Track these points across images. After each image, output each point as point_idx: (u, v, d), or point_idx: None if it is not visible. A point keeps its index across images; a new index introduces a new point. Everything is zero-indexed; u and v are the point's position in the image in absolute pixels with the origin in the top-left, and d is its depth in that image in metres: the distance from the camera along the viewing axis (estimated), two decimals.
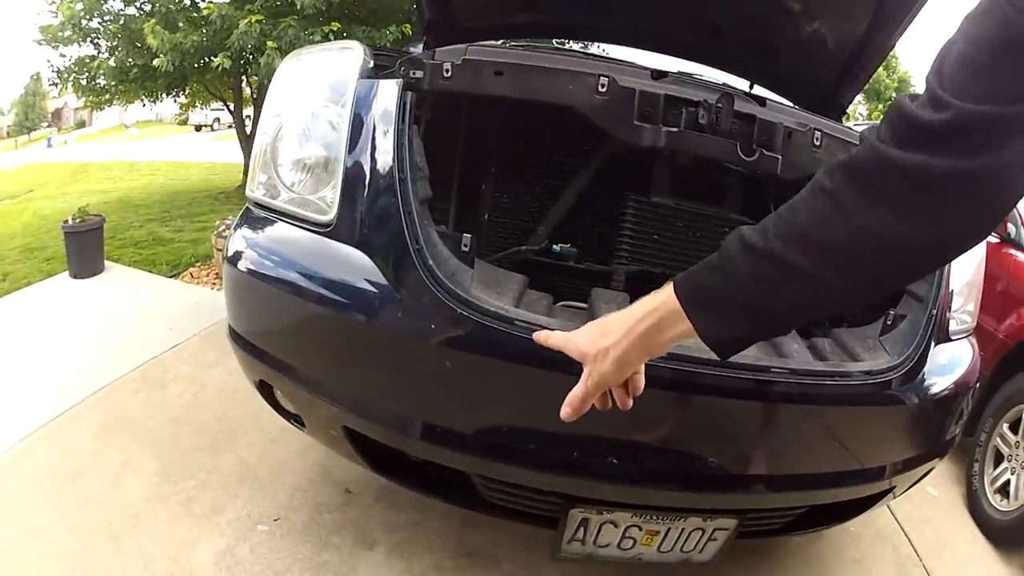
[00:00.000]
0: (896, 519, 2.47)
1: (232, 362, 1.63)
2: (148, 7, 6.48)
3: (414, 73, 1.41)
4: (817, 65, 2.23)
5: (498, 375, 1.23)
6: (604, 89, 1.43)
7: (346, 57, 1.48)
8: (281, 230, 1.45)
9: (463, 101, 1.46)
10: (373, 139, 1.35)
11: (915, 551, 2.34)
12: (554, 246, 1.58)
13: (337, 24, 5.45)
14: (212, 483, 2.14)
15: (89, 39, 7.09)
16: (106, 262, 4.56)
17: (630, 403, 0.87)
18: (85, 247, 4.37)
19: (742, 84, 2.55)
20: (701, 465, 1.30)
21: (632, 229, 1.55)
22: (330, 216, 1.37)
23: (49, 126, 51.23)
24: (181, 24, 6.00)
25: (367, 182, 1.34)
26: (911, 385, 1.40)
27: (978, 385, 1.65)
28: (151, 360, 3.05)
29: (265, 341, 1.48)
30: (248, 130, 8.14)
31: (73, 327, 3.52)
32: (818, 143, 1.53)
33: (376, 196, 1.33)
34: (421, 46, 2.40)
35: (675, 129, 1.42)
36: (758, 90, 2.50)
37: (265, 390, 1.55)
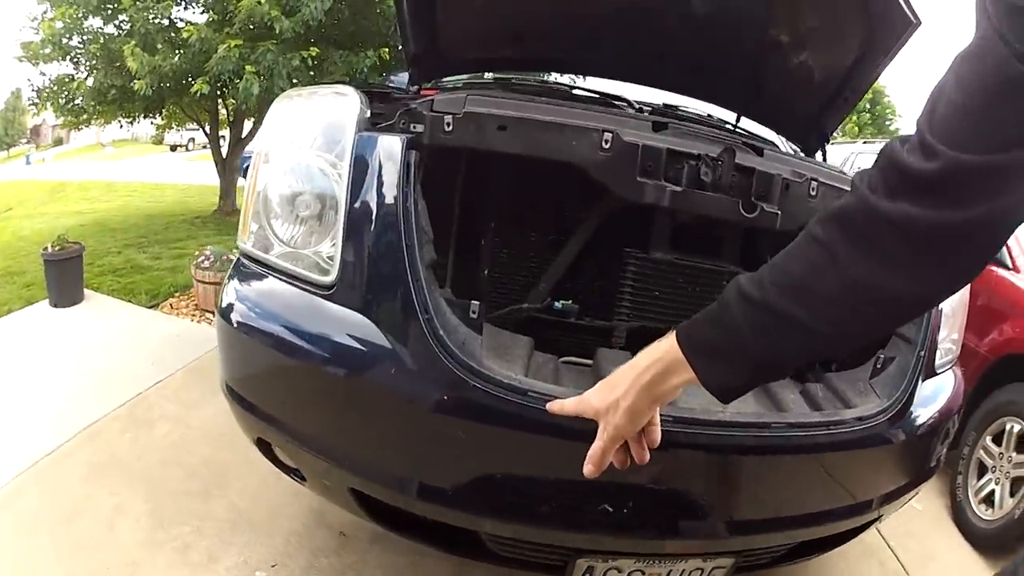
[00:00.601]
0: (882, 535, 2.48)
1: (217, 402, 1.61)
2: (128, 26, 6.34)
3: (414, 127, 1.38)
4: (802, 96, 2.23)
5: (509, 443, 1.23)
6: (608, 145, 1.40)
7: (341, 105, 1.44)
8: (278, 288, 1.40)
9: (462, 152, 1.42)
10: (377, 199, 1.31)
11: (902, 566, 2.35)
12: (556, 303, 1.54)
13: (315, 49, 5.40)
14: (207, 529, 2.08)
15: (69, 57, 6.94)
16: (85, 290, 4.49)
17: (647, 456, 0.90)
18: (65, 275, 4.30)
19: (727, 115, 2.59)
20: (705, 515, 1.33)
21: (632, 285, 1.52)
22: (331, 278, 1.33)
23: (28, 142, 50.40)
24: (160, 46, 5.89)
25: (370, 244, 1.30)
26: (900, 424, 1.43)
27: (962, 407, 1.68)
28: (136, 397, 2.98)
29: (265, 401, 1.43)
30: (224, 152, 8.04)
31: (56, 359, 3.44)
32: (814, 193, 1.53)
33: (381, 261, 1.29)
34: (405, 77, 2.39)
35: (679, 188, 1.40)
36: (745, 123, 2.53)
37: (264, 447, 1.51)
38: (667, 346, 0.80)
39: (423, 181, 1.36)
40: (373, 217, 1.31)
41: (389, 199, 1.30)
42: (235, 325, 1.43)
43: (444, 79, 2.48)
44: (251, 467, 2.34)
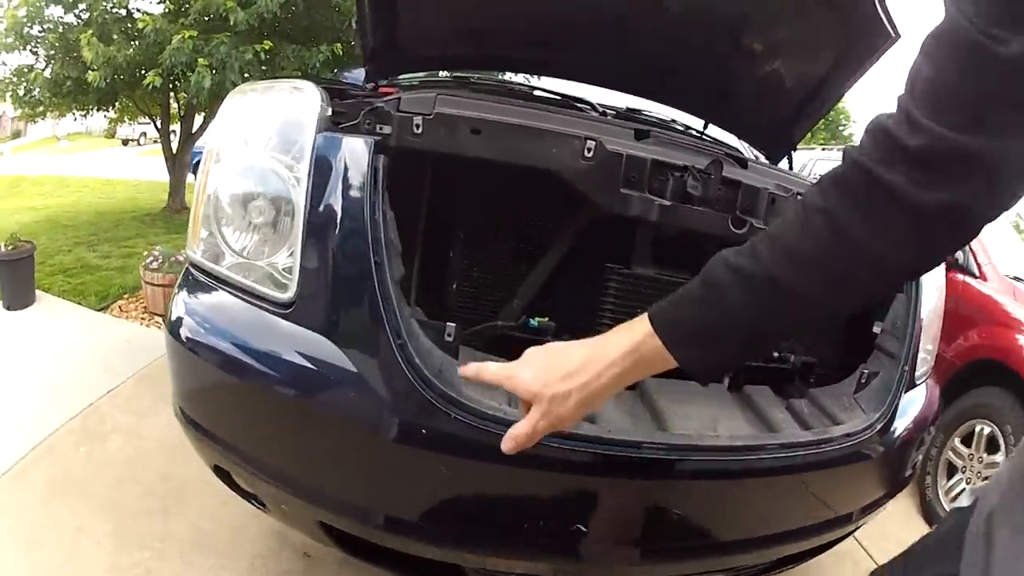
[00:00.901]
0: (855, 537, 2.47)
1: (169, 412, 1.47)
2: (86, 15, 6.09)
3: (380, 128, 1.24)
4: (771, 104, 2.17)
5: (492, 475, 1.13)
6: (590, 153, 1.29)
7: (300, 101, 1.30)
8: (231, 304, 1.27)
9: (429, 156, 1.29)
10: (340, 207, 1.18)
11: (875, 563, 2.34)
12: (531, 320, 1.40)
13: (269, 42, 5.21)
14: (169, 552, 1.96)
15: (29, 47, 6.65)
16: (37, 291, 4.39)
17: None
18: (17, 277, 4.22)
19: (694, 122, 2.52)
20: (699, 539, 1.27)
21: (613, 302, 1.40)
22: (289, 294, 1.20)
23: None
24: (116, 36, 5.65)
25: (333, 258, 1.18)
26: (884, 438, 1.42)
27: (937, 416, 1.68)
28: (88, 408, 2.87)
29: (220, 427, 1.31)
30: (174, 148, 7.79)
31: (9, 367, 3.31)
32: None
33: (346, 277, 1.17)
34: (359, 74, 2.27)
35: (666, 202, 1.30)
36: (713, 130, 2.47)
37: (222, 474, 1.38)
38: (640, 336, 0.73)
39: (386, 186, 1.25)
40: (336, 228, 1.18)
41: (354, 208, 1.17)
42: (185, 343, 1.30)
43: (401, 76, 2.35)
44: (209, 484, 2.16)
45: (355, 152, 1.20)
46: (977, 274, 3.23)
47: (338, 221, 1.18)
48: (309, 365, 1.15)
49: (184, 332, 1.32)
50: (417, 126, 1.24)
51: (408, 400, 1.10)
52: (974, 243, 3.35)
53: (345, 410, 1.13)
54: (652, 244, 1.44)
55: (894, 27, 1.77)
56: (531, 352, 0.81)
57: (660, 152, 1.38)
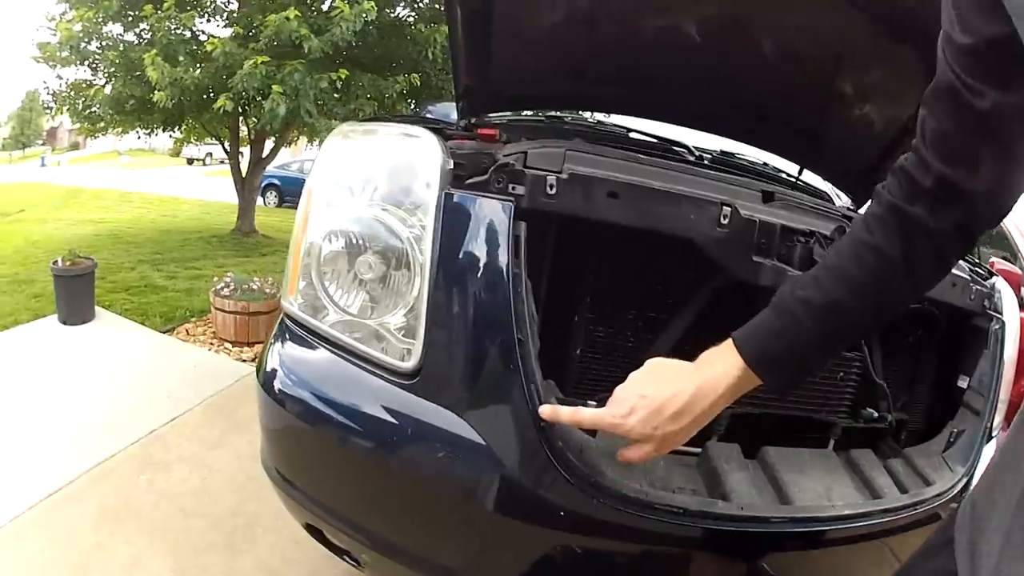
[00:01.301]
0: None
1: (239, 444, 1.41)
2: (149, 35, 6.14)
3: (513, 187, 1.14)
4: (860, 147, 2.09)
5: (628, 559, 1.11)
6: (726, 220, 1.22)
7: (415, 150, 1.21)
8: (337, 366, 1.17)
9: (554, 215, 1.20)
10: (475, 277, 1.09)
11: None
12: None
13: (344, 71, 5.22)
14: None
15: (87, 63, 6.73)
16: (97, 308, 4.32)
17: None
18: (75, 292, 4.14)
19: (786, 165, 2.43)
20: None
21: None
22: (412, 363, 1.10)
23: (44, 144, 50.41)
24: (182, 57, 5.69)
25: (469, 330, 1.08)
26: (965, 491, 1.44)
27: None
28: (150, 434, 2.79)
29: (322, 492, 1.23)
30: (243, 171, 7.81)
31: (64, 384, 3.24)
32: None
33: (485, 353, 1.07)
34: (443, 108, 2.20)
35: (796, 272, 1.24)
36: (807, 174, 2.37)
37: (314, 532, 1.30)
38: (736, 370, 0.83)
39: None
40: (472, 297, 1.09)
41: (493, 277, 1.08)
42: (284, 404, 1.21)
43: (492, 115, 2.29)
44: (282, 520, 2.13)
45: (493, 216, 1.11)
46: None
47: (473, 290, 1.09)
48: (438, 444, 1.06)
49: (280, 387, 1.23)
50: (551, 186, 1.14)
51: (550, 483, 1.03)
52: None
53: (480, 494, 1.05)
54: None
55: None
56: (630, 391, 0.88)
57: (787, 216, 1.33)
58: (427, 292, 1.10)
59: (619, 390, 0.89)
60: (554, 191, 1.15)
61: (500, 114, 2.34)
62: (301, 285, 1.28)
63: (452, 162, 1.16)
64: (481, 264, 1.09)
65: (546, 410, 0.95)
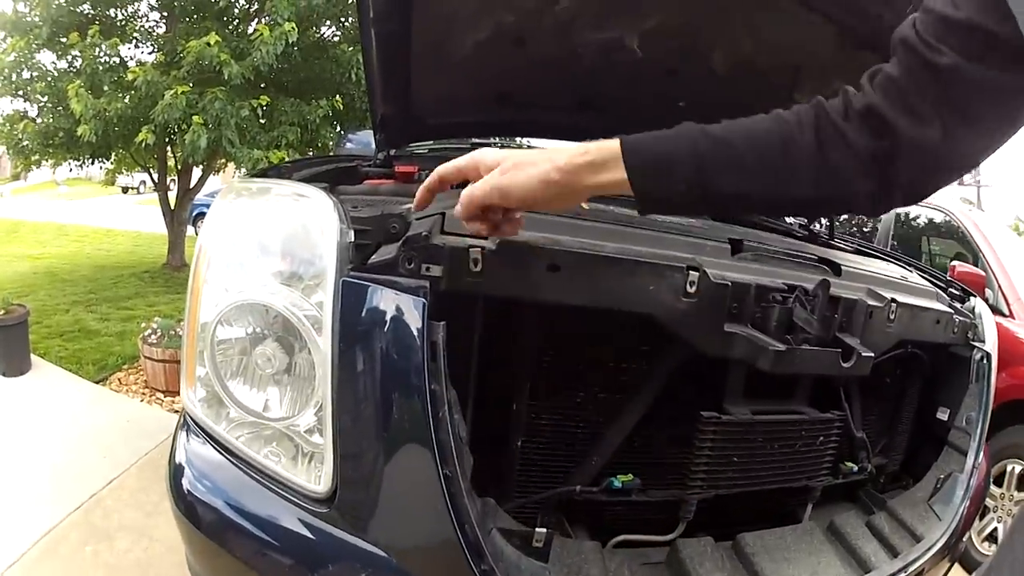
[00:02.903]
0: None
1: None
2: (79, 63, 5.75)
3: (427, 268, 0.89)
4: None
5: None
6: (693, 288, 0.99)
7: (307, 213, 0.98)
8: (245, 483, 0.96)
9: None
10: (385, 387, 0.87)
11: None
12: (614, 480, 1.10)
13: (266, 97, 4.92)
14: None
15: (20, 93, 6.32)
16: (33, 357, 4.15)
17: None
18: (11, 342, 4.00)
19: None
20: None
21: (708, 453, 1.11)
22: (324, 486, 0.89)
23: None
24: (106, 87, 5.35)
25: (381, 454, 0.87)
26: (952, 538, 1.35)
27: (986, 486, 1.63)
28: (91, 499, 2.63)
29: None
30: (172, 203, 7.44)
31: (6, 445, 3.09)
32: (892, 318, 1.26)
33: (403, 487, 0.87)
34: (364, 137, 1.98)
35: (780, 347, 1.00)
36: None
37: None
38: (610, 145, 0.77)
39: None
40: (383, 418, 0.87)
41: (406, 399, 0.86)
42: (194, 510, 1.00)
43: (413, 144, 2.07)
44: None
45: (402, 315, 0.87)
46: (1007, 313, 3.08)
47: (384, 408, 0.87)
48: None
49: (186, 496, 1.02)
50: (475, 262, 0.89)
51: None
52: (1003, 280, 3.24)
53: None
54: (744, 381, 1.16)
55: None
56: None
57: (761, 271, 1.14)
58: (331, 397, 0.88)
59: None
60: (479, 268, 0.90)
61: (424, 144, 2.12)
62: (199, 373, 1.05)
63: (352, 231, 0.93)
64: (392, 377, 0.86)
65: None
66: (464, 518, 0.82)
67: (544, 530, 0.90)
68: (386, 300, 0.87)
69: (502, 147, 2.24)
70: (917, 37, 0.65)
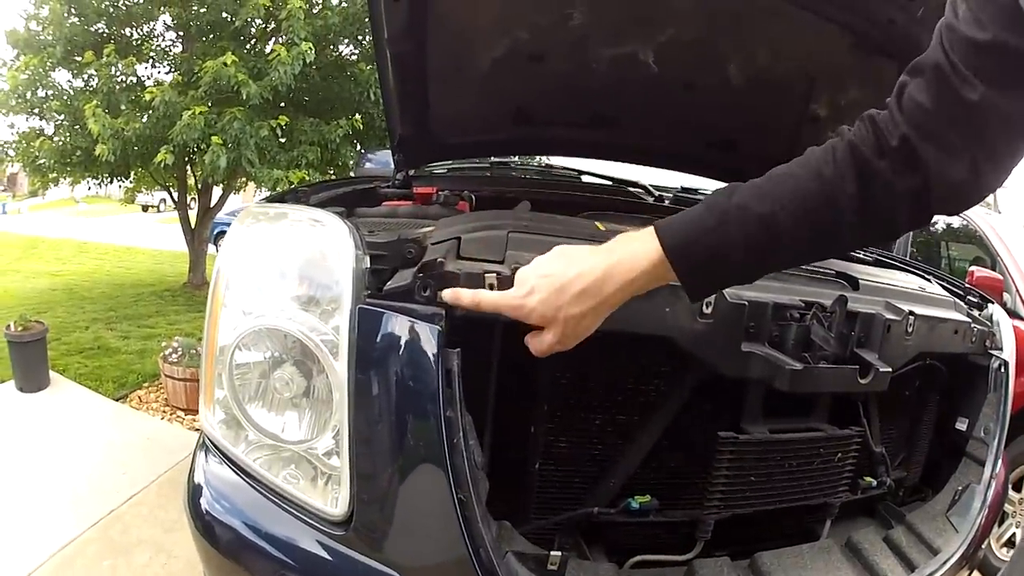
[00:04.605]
0: None
1: None
2: (95, 82, 5.78)
3: (441, 296, 0.89)
4: None
5: None
6: (709, 309, 1.00)
7: (323, 241, 0.99)
8: (262, 505, 0.97)
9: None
10: (400, 412, 0.89)
11: None
12: (632, 501, 1.11)
13: (285, 117, 4.95)
14: None
15: (36, 111, 6.35)
16: (51, 374, 4.16)
17: None
18: (29, 358, 4.02)
19: None
20: None
21: (726, 473, 1.12)
22: (341, 509, 0.90)
23: (4, 190, 48.80)
24: (123, 107, 5.40)
25: (397, 478, 0.88)
26: (970, 549, 1.34)
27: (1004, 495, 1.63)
28: (110, 515, 2.66)
29: None
30: (192, 221, 7.48)
31: (22, 461, 3.11)
32: (911, 330, 1.26)
33: (419, 509, 0.88)
34: (383, 157, 2.00)
35: (797, 365, 1.01)
36: None
37: None
38: (652, 254, 0.74)
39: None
40: (399, 443, 0.89)
41: (421, 425, 0.87)
42: (207, 538, 1.02)
43: (432, 163, 2.08)
44: None
45: (417, 342, 0.88)
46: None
47: (400, 433, 0.88)
48: None
49: (208, 511, 1.04)
50: (491, 287, 0.88)
51: None
52: (1021, 284, 3.19)
53: None
54: (762, 399, 1.16)
55: None
56: (533, 272, 0.80)
57: (777, 288, 1.13)
58: (347, 422, 0.90)
59: (521, 271, 0.81)
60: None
61: (442, 163, 2.14)
62: (218, 395, 1.07)
63: (368, 256, 0.95)
64: (407, 403, 0.88)
65: (448, 294, 0.86)
66: (479, 542, 0.83)
67: (559, 553, 0.91)
68: (401, 327, 0.89)
69: (515, 168, 2.26)
70: (948, 64, 0.64)
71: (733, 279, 0.78)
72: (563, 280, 0.76)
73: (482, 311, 0.82)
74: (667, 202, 2.01)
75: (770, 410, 1.17)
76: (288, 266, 1.04)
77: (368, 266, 0.94)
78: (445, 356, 0.86)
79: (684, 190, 2.27)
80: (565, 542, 1.13)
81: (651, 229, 0.76)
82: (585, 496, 1.14)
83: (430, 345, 0.86)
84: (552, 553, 0.91)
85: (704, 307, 1.00)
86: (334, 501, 0.92)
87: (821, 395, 1.26)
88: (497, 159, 2.32)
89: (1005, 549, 2.76)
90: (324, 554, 0.91)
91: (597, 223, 1.18)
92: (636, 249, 0.75)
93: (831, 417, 1.29)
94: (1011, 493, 2.72)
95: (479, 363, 1.00)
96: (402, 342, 0.89)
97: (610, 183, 2.00)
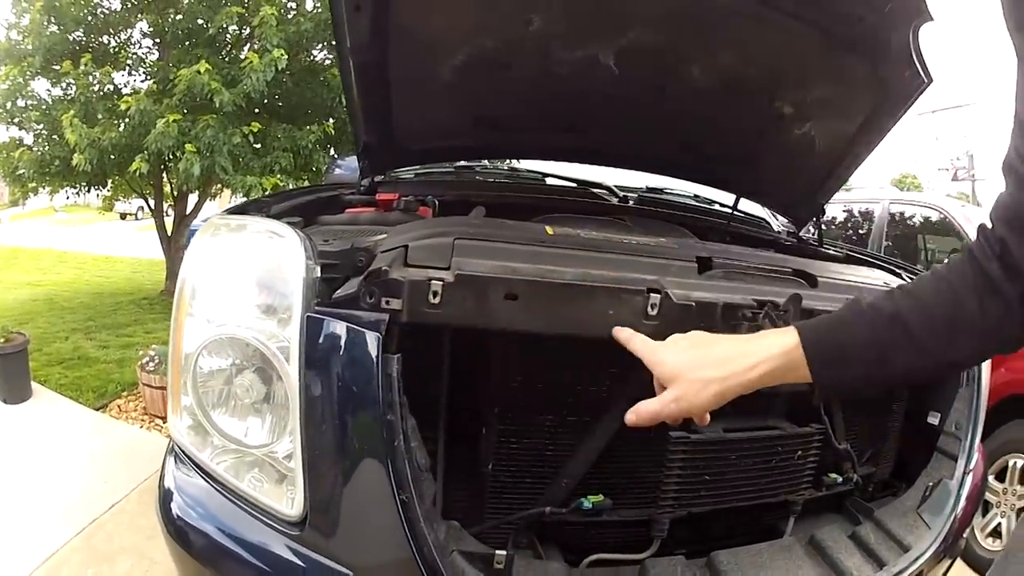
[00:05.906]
0: None
1: None
2: (73, 91, 5.77)
3: (387, 302, 0.93)
4: (802, 168, 1.92)
5: None
6: (655, 311, 1.00)
7: (279, 252, 1.02)
8: (228, 510, 1.01)
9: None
10: (344, 416, 0.93)
11: None
12: (584, 501, 1.12)
13: (258, 124, 4.97)
14: None
15: (15, 121, 6.34)
16: (33, 384, 4.18)
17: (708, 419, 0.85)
18: (11, 370, 4.03)
19: (719, 196, 2.30)
20: None
21: (679, 473, 1.13)
22: (297, 511, 0.94)
23: None
24: (100, 116, 5.40)
25: (343, 479, 0.92)
26: (947, 545, 1.34)
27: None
28: (92, 524, 2.68)
29: None
30: (168, 228, 7.45)
31: (5, 471, 3.13)
32: None
33: (365, 509, 0.91)
34: (353, 162, 2.01)
35: None
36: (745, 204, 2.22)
37: None
38: (791, 343, 0.76)
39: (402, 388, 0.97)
40: (345, 444, 0.92)
41: (365, 429, 0.91)
42: (179, 541, 1.07)
43: (398, 169, 2.10)
44: None
45: (360, 349, 0.92)
46: None
47: (346, 436, 0.92)
48: None
49: (175, 522, 1.09)
50: (435, 294, 0.93)
51: None
52: None
53: None
54: None
55: (927, 71, 1.56)
56: (677, 336, 0.83)
57: (729, 288, 1.13)
58: (300, 426, 0.94)
59: (675, 335, 0.85)
60: (438, 299, 0.94)
61: (409, 169, 2.16)
62: (185, 402, 1.11)
63: (319, 267, 0.99)
64: (350, 408, 0.92)
65: (622, 332, 0.91)
66: (422, 542, 0.87)
67: (504, 552, 0.94)
68: (344, 334, 0.93)
69: (479, 172, 2.28)
70: (1020, 162, 0.65)
71: (855, 375, 0.76)
72: (700, 345, 0.81)
73: (630, 348, 0.87)
74: (631, 203, 2.03)
75: (725, 409, 1.19)
76: (247, 276, 1.08)
77: (319, 275, 0.98)
78: (386, 361, 0.90)
79: (650, 190, 2.30)
80: (520, 541, 1.16)
81: (792, 326, 0.78)
82: (539, 496, 1.16)
83: (371, 351, 0.90)
84: (498, 552, 0.95)
85: (649, 309, 1.01)
86: (290, 502, 0.96)
87: (778, 393, 1.27)
88: (463, 164, 2.35)
89: (991, 539, 2.80)
90: (285, 553, 0.95)
91: (547, 228, 1.21)
92: (775, 335, 0.78)
93: (791, 414, 1.30)
94: (995, 483, 2.77)
95: (431, 366, 1.04)
96: (344, 348, 0.93)
97: (574, 185, 2.01)
